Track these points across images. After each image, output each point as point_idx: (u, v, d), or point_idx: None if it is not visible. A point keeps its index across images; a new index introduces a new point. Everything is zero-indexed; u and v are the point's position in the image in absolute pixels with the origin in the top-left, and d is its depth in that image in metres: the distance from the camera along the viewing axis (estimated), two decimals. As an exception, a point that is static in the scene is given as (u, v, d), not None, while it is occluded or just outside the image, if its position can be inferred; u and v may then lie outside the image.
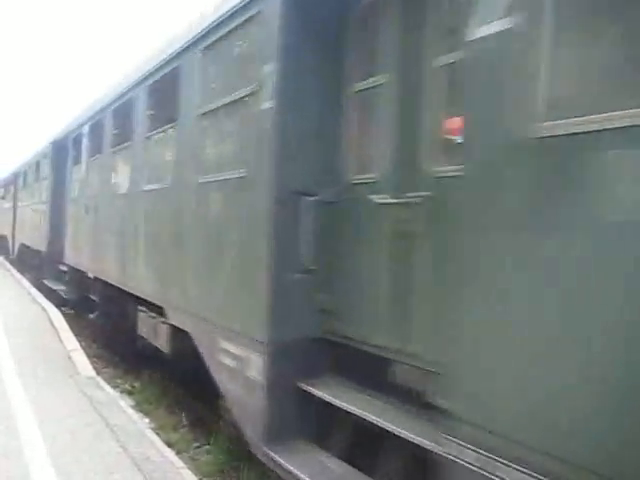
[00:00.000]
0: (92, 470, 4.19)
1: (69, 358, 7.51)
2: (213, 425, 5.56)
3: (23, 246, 17.52)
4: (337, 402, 3.41)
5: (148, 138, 6.52)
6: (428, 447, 2.67)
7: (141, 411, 6.28)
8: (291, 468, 3.35)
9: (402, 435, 2.89)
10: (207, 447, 5.43)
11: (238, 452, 5.17)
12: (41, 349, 7.85)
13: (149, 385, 7.07)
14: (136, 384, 7.22)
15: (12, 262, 20.40)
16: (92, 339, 9.62)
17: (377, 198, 3.43)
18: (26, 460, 4.23)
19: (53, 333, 8.94)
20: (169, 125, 5.88)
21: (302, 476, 3.24)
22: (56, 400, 5.71)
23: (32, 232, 15.36)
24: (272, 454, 3.55)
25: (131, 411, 5.94)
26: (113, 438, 4.86)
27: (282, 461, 3.44)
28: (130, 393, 6.97)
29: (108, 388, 6.61)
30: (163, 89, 5.94)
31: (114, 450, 4.60)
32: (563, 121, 2.03)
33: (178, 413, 6.32)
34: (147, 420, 5.99)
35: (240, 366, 3.99)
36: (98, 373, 7.28)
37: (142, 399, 6.73)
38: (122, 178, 7.59)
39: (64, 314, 10.47)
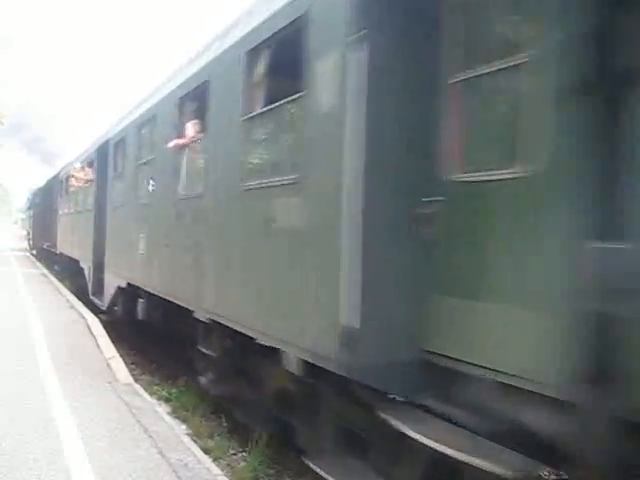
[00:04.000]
0: (130, 474, 4.19)
1: (107, 365, 7.60)
2: (250, 432, 5.52)
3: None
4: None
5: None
6: None
7: (178, 418, 6.29)
8: None
9: None
10: (244, 454, 5.40)
11: (275, 460, 5.13)
12: (80, 356, 7.96)
13: (186, 392, 7.10)
14: (173, 391, 7.25)
15: (54, 273, 20.01)
16: (129, 346, 9.73)
17: None
18: (66, 462, 4.27)
19: (91, 340, 9.07)
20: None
21: None
22: (95, 405, 5.76)
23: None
24: None
25: (168, 417, 5.96)
26: (151, 444, 4.86)
27: None
28: (167, 400, 7.00)
29: (145, 395, 6.65)
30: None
31: (152, 455, 4.61)
32: None
33: (215, 420, 6.31)
34: (184, 427, 6.00)
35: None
36: (136, 380, 7.34)
37: (179, 406, 6.75)
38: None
39: (101, 321, 10.61)
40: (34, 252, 29.68)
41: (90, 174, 13.33)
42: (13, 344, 8.12)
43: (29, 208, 35.40)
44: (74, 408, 5.55)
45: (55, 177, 21.72)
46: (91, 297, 12.11)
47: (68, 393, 6.02)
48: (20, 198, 56.91)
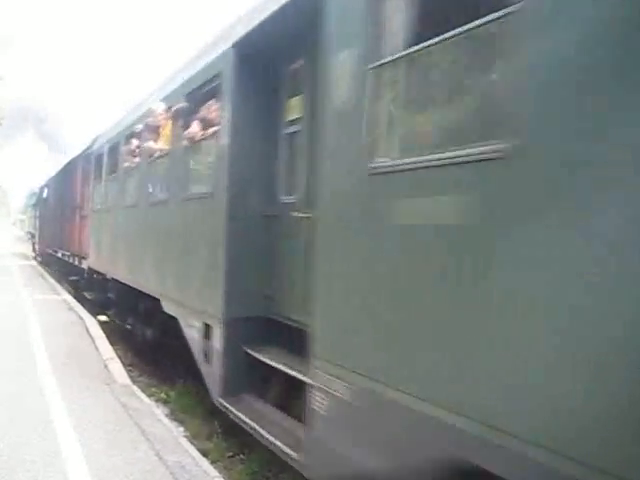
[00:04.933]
0: (127, 476, 4.21)
1: (105, 366, 7.60)
2: (247, 435, 5.51)
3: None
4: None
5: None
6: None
7: (175, 420, 6.30)
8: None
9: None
10: (241, 457, 5.40)
11: (272, 462, 5.13)
12: (78, 357, 7.96)
13: (183, 394, 7.09)
14: (171, 393, 7.25)
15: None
16: (127, 348, 9.72)
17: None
18: (63, 463, 4.28)
19: (90, 342, 9.07)
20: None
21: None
22: (92, 407, 5.77)
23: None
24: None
25: (166, 420, 5.97)
26: (148, 446, 4.87)
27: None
28: (165, 402, 7.00)
29: (143, 396, 6.65)
30: None
31: (149, 457, 4.61)
32: None
33: (212, 422, 6.31)
34: (181, 429, 6.00)
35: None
36: (133, 382, 7.35)
37: (176, 408, 6.75)
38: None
39: (99, 323, 10.62)
40: (39, 259, 25.18)
41: (202, 118, 6.12)
42: (12, 345, 8.12)
43: (35, 204, 28.73)
44: (72, 410, 5.55)
45: (82, 156, 14.37)
46: (219, 401, 5.27)
47: (66, 395, 6.03)
48: (18, 199, 56.65)
